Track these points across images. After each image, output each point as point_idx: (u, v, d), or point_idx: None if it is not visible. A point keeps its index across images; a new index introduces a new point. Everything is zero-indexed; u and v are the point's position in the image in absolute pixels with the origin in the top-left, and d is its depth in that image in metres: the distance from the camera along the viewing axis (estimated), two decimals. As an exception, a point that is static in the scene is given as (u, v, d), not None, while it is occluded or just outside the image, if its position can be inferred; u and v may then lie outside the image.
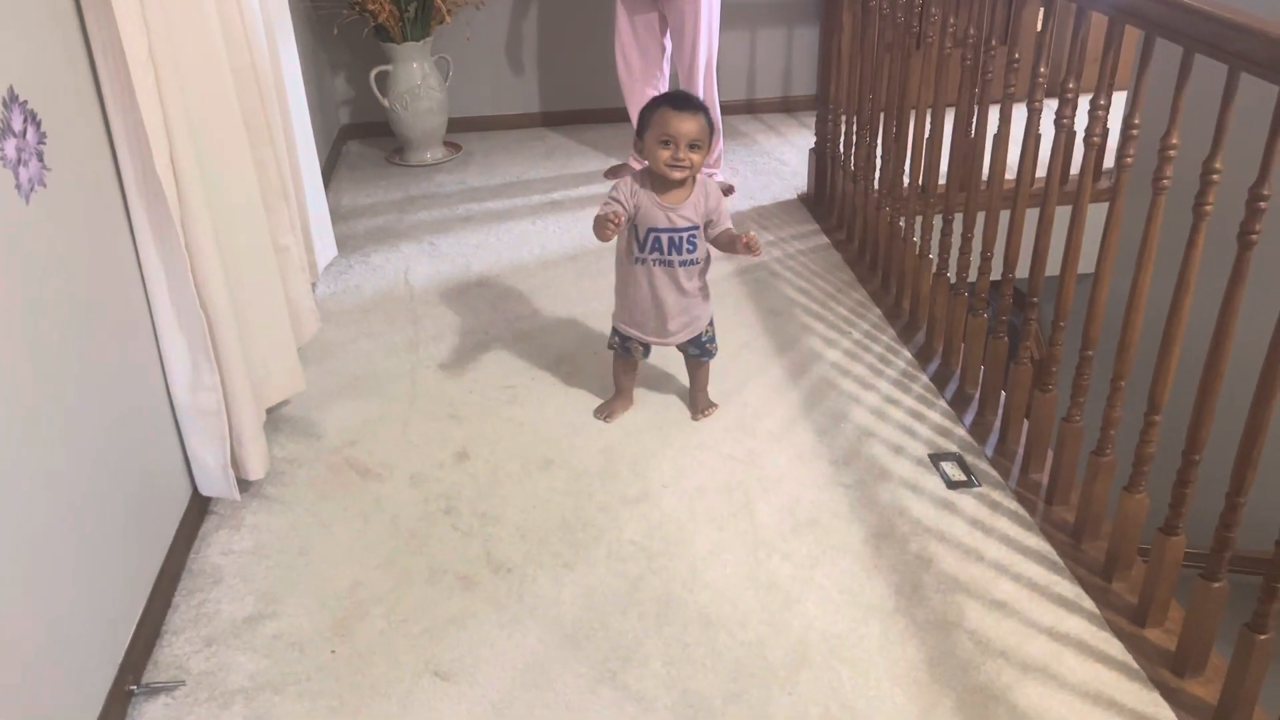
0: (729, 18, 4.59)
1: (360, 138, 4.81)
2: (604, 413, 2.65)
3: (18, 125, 1.63)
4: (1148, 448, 1.97)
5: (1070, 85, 2.16)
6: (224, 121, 2.26)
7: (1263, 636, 1.69)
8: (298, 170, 2.94)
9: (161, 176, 1.97)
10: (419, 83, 4.31)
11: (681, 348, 2.61)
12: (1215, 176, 1.70)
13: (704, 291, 2.52)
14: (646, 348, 2.59)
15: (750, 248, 2.28)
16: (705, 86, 3.80)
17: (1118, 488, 2.07)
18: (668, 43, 3.85)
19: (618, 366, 2.65)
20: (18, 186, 1.63)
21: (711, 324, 2.59)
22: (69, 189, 1.81)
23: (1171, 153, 1.82)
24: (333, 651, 1.99)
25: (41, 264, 1.70)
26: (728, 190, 4.10)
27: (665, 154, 2.29)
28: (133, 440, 2.02)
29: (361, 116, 4.79)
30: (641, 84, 3.90)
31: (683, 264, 2.43)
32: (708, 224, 2.42)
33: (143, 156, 1.98)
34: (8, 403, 1.54)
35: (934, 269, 2.92)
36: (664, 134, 2.28)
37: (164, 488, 2.19)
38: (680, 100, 2.30)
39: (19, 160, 1.63)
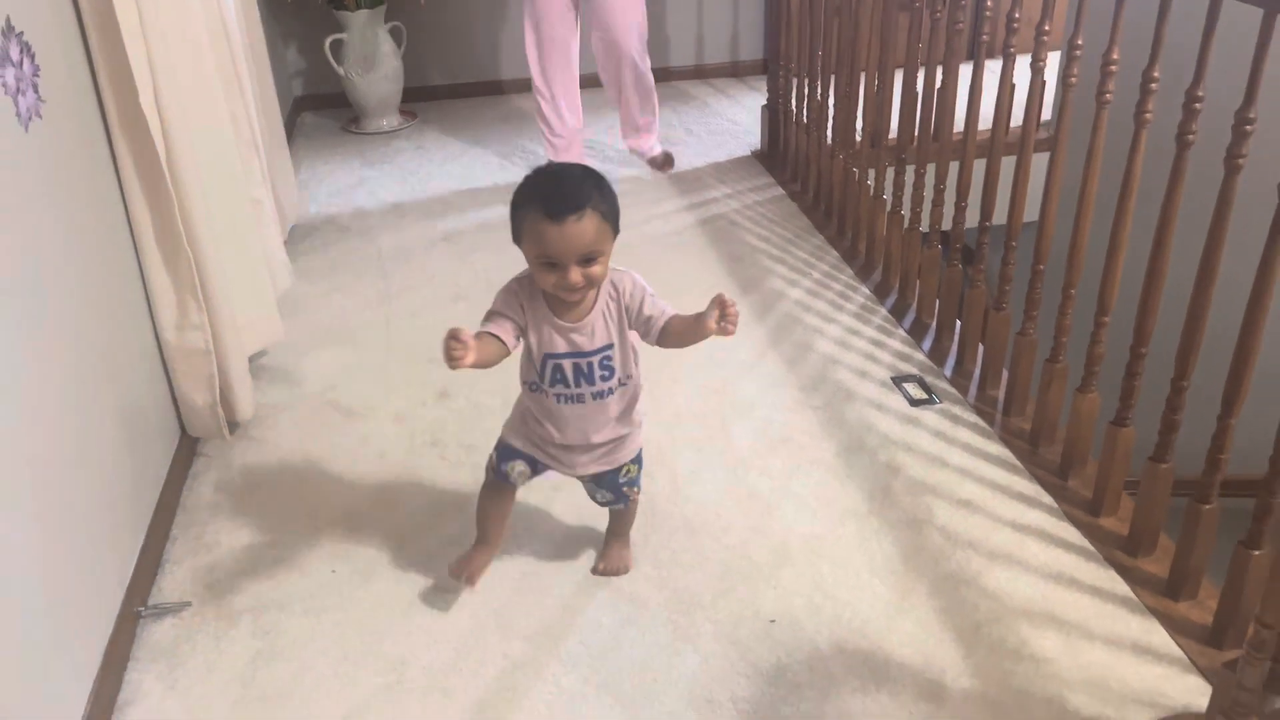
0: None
1: (315, 109, 4.83)
2: (462, 570, 1.92)
3: (15, 55, 1.67)
4: (1098, 348, 2.10)
5: (1045, 28, 2.29)
6: (198, 72, 2.30)
7: (1207, 507, 1.83)
8: (265, 128, 2.98)
9: (146, 113, 2.02)
10: (374, 50, 4.34)
11: (588, 486, 1.94)
12: (1173, 93, 1.83)
13: (632, 420, 1.86)
14: (534, 468, 1.89)
15: (727, 318, 1.65)
16: (639, 52, 3.71)
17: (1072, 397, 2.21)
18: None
19: (485, 501, 1.94)
20: (17, 115, 1.67)
21: (638, 461, 1.91)
22: (61, 123, 1.85)
23: (1154, 86, 1.90)
24: (333, 571, 2.06)
25: (40, 193, 1.74)
26: (666, 161, 3.97)
27: (550, 279, 1.63)
28: (122, 379, 2.06)
29: (315, 88, 4.81)
30: (561, 55, 3.69)
31: (596, 395, 1.77)
32: (643, 320, 1.74)
33: (127, 95, 2.02)
34: (6, 332, 1.59)
35: (888, 209, 3.05)
36: (543, 255, 1.61)
37: (154, 428, 2.23)
38: (556, 203, 1.57)
39: (18, 89, 1.67)
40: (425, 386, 2.65)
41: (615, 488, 1.91)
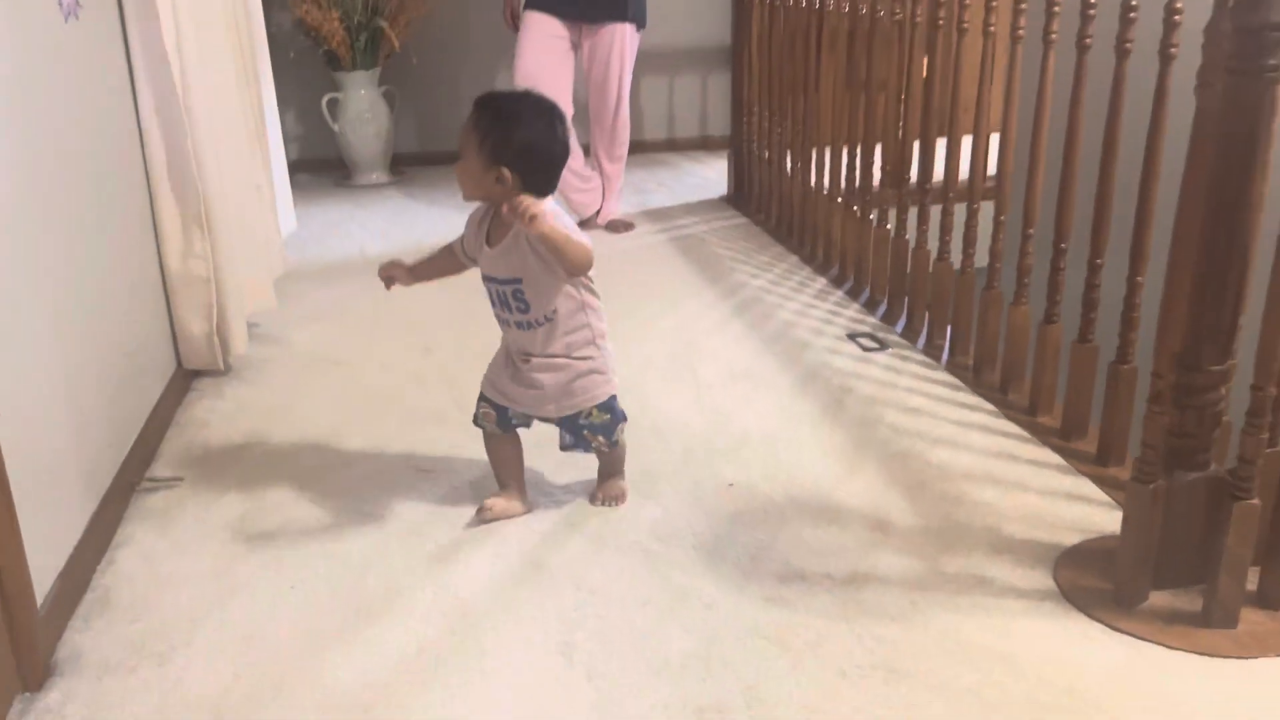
0: (651, 65, 5.08)
1: (309, 171, 5.12)
2: (484, 510, 1.93)
3: (60, -45, 1.92)
4: (1026, 260, 2.31)
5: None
6: (217, 46, 2.56)
7: (1125, 366, 2.00)
8: (268, 126, 3.23)
9: (168, 49, 2.26)
10: (367, 108, 4.67)
11: (562, 435, 1.99)
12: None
13: (571, 359, 1.87)
14: (503, 416, 1.93)
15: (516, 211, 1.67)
16: (619, 120, 3.87)
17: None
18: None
19: (489, 449, 1.99)
20: (60, 4, 1.90)
21: (607, 409, 1.92)
22: (94, 28, 2.08)
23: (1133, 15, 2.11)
24: (318, 462, 2.18)
25: (72, 88, 1.95)
26: (626, 227, 3.98)
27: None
28: (125, 302, 2.20)
29: (310, 152, 5.11)
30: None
31: (519, 325, 1.84)
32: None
33: (151, 31, 2.26)
34: (31, 224, 1.73)
35: (841, 203, 3.30)
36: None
37: (151, 355, 2.36)
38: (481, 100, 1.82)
39: (61, -17, 1.91)
40: (409, 344, 2.82)
41: (575, 430, 1.93)
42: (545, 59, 3.70)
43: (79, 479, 1.82)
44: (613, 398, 1.93)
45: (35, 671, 1.51)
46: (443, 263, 1.95)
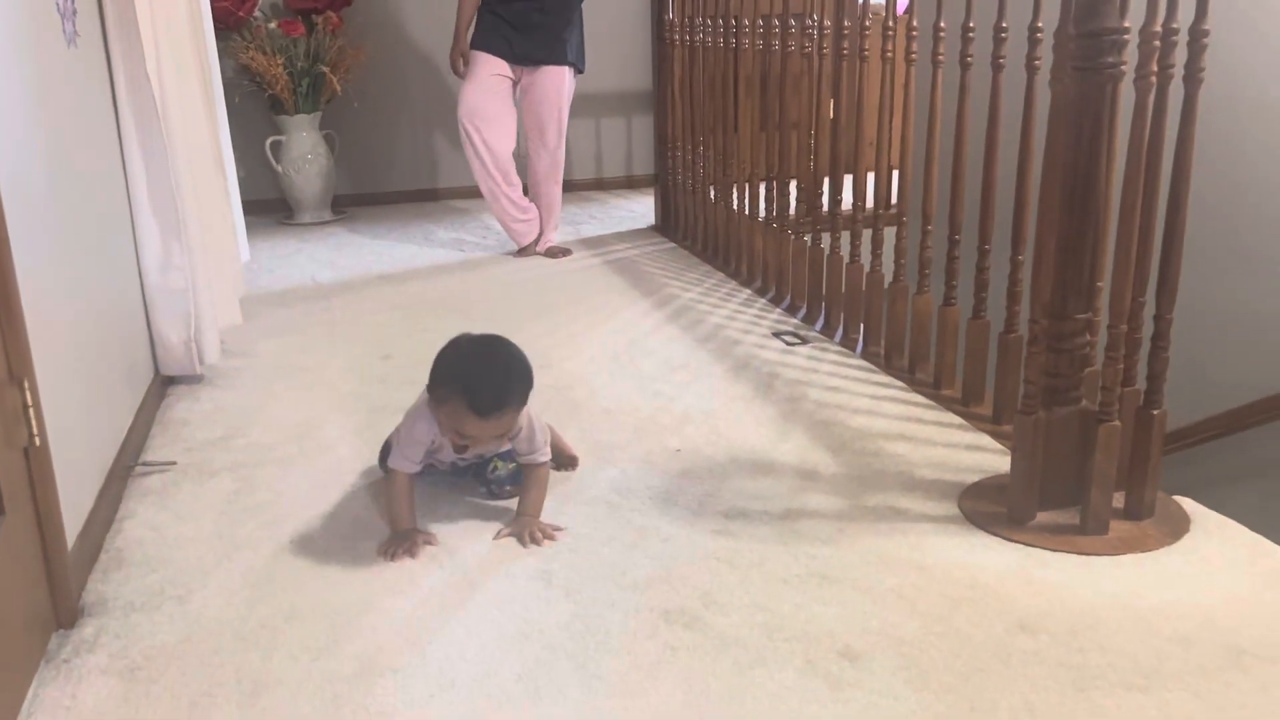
0: (580, 108, 5.39)
1: (251, 213, 5.28)
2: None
3: (62, -11, 2.14)
4: (926, 252, 2.63)
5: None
6: (188, 75, 2.79)
7: (1012, 335, 2.32)
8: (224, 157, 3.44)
9: (150, 75, 2.47)
10: (309, 150, 4.89)
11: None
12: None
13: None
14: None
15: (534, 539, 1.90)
16: (556, 157, 4.10)
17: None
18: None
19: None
20: (64, 32, 2.12)
21: (505, 458, 2.05)
22: (86, 57, 2.30)
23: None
24: (298, 448, 2.38)
25: (72, 108, 2.16)
26: (563, 253, 4.19)
27: (458, 441, 1.87)
28: (111, 307, 2.39)
29: (253, 194, 5.27)
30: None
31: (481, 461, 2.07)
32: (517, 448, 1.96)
33: (135, 58, 2.47)
34: (51, 229, 1.97)
35: (761, 219, 3.62)
36: (461, 432, 1.83)
37: (133, 360, 2.53)
38: (484, 401, 1.78)
39: (62, 12, 2.13)
40: (370, 352, 3.03)
41: (483, 478, 2.07)
42: (488, 97, 3.95)
43: (86, 458, 2.00)
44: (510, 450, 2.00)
45: (69, 611, 1.68)
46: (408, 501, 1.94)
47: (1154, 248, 1.85)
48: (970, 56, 2.40)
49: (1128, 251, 1.80)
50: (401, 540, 1.89)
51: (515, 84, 4.05)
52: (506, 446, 1.97)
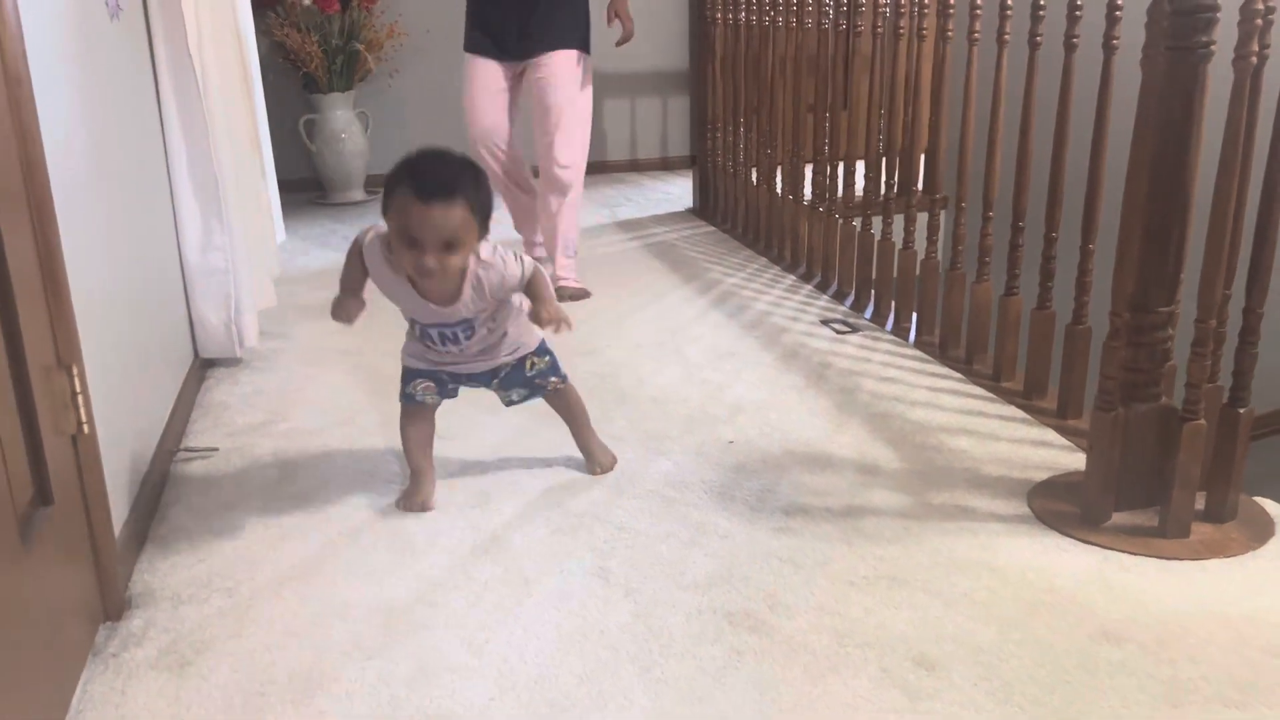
0: (611, 88, 5.30)
1: (286, 190, 5.23)
2: (413, 503, 1.96)
3: (106, -39, 2.07)
4: (986, 240, 2.54)
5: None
6: (227, 56, 2.72)
7: (1080, 326, 2.24)
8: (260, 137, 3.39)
9: (192, 52, 2.41)
10: (343, 129, 4.83)
11: (500, 395, 2.04)
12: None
13: (506, 329, 1.95)
14: (442, 386, 1.99)
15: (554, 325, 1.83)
16: (575, 156, 3.36)
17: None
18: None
19: (406, 430, 1.99)
20: (106, 4, 2.06)
21: (542, 353, 2.01)
22: (129, 32, 2.24)
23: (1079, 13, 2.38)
24: (341, 433, 2.32)
25: (117, 79, 2.10)
26: (582, 294, 3.32)
27: (408, 256, 1.70)
28: (153, 289, 2.33)
29: (286, 173, 5.22)
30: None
31: (454, 341, 1.91)
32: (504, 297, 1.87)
33: (177, 39, 2.42)
34: (94, 209, 1.91)
35: (808, 206, 3.53)
36: (406, 232, 1.68)
37: (174, 342, 2.49)
38: (428, 185, 1.66)
39: (107, -15, 2.07)
40: (410, 336, 2.97)
41: (527, 383, 2.00)
42: (499, 114, 3.40)
43: (130, 444, 1.95)
44: (542, 340, 2.01)
45: (116, 603, 1.63)
46: (361, 275, 1.90)
47: (1244, 238, 1.76)
48: (1040, 36, 2.30)
49: (1220, 242, 1.71)
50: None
51: (518, 82, 3.43)
52: (485, 305, 1.83)
